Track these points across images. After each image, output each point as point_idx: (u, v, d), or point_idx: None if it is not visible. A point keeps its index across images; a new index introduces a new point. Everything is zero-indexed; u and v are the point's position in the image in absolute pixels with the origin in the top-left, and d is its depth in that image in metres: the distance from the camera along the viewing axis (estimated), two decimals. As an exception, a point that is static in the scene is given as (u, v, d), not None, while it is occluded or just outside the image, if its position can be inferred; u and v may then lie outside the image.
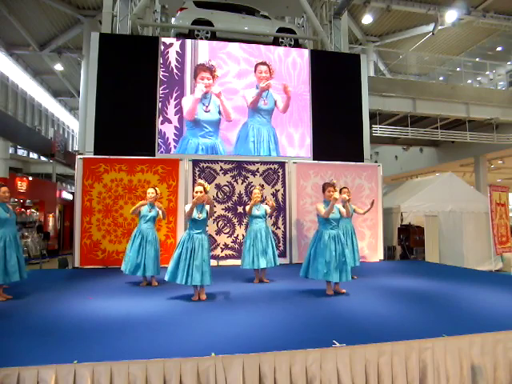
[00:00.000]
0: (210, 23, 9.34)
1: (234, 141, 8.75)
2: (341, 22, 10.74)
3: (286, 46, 9.64)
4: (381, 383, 2.89)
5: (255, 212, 5.83)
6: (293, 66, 9.23)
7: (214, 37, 9.33)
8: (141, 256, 5.41)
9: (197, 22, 9.31)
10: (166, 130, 8.48)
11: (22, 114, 21.08)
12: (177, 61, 8.70)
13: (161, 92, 8.53)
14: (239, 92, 8.86)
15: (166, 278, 4.56)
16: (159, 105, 8.49)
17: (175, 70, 8.67)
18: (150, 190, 5.68)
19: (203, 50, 8.87)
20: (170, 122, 8.51)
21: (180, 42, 8.81)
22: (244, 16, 9.68)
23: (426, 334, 3.15)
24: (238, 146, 8.75)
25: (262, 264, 5.63)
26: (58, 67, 17.98)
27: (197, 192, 4.74)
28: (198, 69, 8.74)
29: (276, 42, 9.73)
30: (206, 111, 8.63)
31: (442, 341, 3.06)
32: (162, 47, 8.69)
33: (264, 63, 9.06)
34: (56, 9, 14.04)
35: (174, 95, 8.59)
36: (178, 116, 8.55)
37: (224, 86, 8.81)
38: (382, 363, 2.90)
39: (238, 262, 7.87)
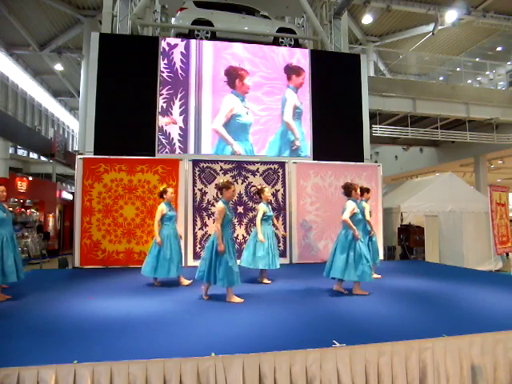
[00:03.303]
0: (210, 23, 9.34)
1: (267, 146, 8.88)
2: (341, 22, 10.73)
3: (285, 45, 9.64)
4: (381, 383, 2.89)
5: (268, 212, 5.80)
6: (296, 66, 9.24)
7: (214, 37, 9.33)
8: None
9: (197, 22, 9.31)
10: (171, 130, 8.48)
11: (22, 114, 21.08)
12: (181, 61, 8.70)
13: (165, 92, 8.53)
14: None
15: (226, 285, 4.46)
16: (164, 105, 8.48)
17: (180, 71, 8.66)
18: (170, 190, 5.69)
19: (208, 50, 8.87)
20: (174, 122, 8.51)
21: (184, 42, 8.81)
22: (244, 16, 9.67)
23: (426, 334, 3.15)
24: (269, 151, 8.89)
25: (279, 264, 5.72)
26: (58, 67, 17.99)
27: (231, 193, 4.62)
28: (234, 71, 8.83)
29: (276, 41, 9.72)
30: (246, 114, 8.80)
31: (442, 341, 3.06)
32: (167, 48, 8.68)
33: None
34: (56, 9, 14.05)
35: (179, 96, 8.59)
36: (182, 116, 8.55)
37: (228, 87, 8.82)
38: (381, 363, 2.90)
39: (237, 262, 7.87)
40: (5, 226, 4.63)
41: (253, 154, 8.75)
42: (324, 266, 5.08)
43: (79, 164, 7.77)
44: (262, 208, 5.78)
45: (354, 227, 4.79)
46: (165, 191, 5.61)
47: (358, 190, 5.16)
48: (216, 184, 4.67)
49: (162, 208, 5.47)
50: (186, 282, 5.57)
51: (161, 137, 8.43)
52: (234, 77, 8.90)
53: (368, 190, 6.31)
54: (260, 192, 5.92)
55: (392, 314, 3.98)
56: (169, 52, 8.68)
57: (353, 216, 4.87)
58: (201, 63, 8.79)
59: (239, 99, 8.81)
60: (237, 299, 4.50)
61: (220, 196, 4.67)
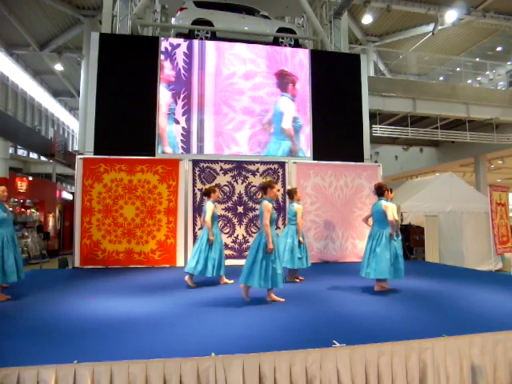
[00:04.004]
0: (210, 23, 9.33)
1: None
2: (341, 22, 10.73)
3: (285, 45, 9.64)
4: (381, 383, 2.89)
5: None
6: (300, 67, 9.24)
7: (214, 37, 9.33)
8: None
9: (197, 22, 9.30)
10: (174, 130, 8.49)
11: (22, 114, 21.09)
12: (184, 61, 8.70)
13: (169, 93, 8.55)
14: (246, 92, 8.87)
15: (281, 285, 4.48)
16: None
17: (182, 71, 8.67)
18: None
19: (210, 50, 8.87)
20: (177, 122, 8.52)
21: (187, 42, 8.80)
22: (244, 16, 9.66)
23: (426, 334, 3.15)
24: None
25: None
26: (58, 67, 18.00)
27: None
28: (288, 76, 9.08)
29: (276, 41, 9.72)
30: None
31: (442, 341, 3.06)
32: (169, 48, 8.69)
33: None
34: (56, 9, 14.06)
35: (182, 96, 8.59)
36: (185, 116, 8.55)
37: (231, 87, 8.83)
38: (381, 363, 2.90)
39: (237, 262, 7.88)
40: (5, 226, 4.63)
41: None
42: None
43: (79, 164, 7.76)
44: (300, 208, 5.85)
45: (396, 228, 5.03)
46: (213, 190, 5.65)
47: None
48: (260, 184, 4.70)
49: (213, 206, 5.49)
50: (191, 284, 5.47)
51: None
52: (287, 80, 9.05)
53: (391, 190, 6.34)
54: (293, 192, 5.93)
55: (392, 314, 3.98)
56: (171, 52, 8.68)
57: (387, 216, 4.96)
58: (204, 63, 8.78)
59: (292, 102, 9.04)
60: (278, 298, 4.53)
61: (264, 196, 4.61)
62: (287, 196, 6.33)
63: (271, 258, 4.35)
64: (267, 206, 4.41)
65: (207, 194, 5.62)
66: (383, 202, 5.02)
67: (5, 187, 4.76)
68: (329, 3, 10.98)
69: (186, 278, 5.45)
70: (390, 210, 4.94)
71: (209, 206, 5.43)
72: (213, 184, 7.47)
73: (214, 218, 5.48)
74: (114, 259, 7.61)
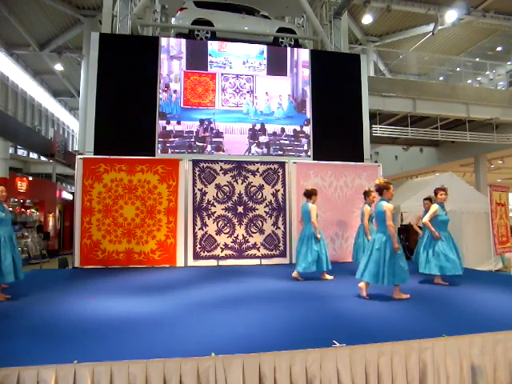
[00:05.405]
0: (210, 23, 9.34)
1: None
2: (341, 22, 10.73)
3: (285, 45, 9.64)
4: (381, 383, 2.89)
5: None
6: (299, 67, 9.26)
7: (214, 37, 9.33)
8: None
9: (197, 22, 9.30)
10: (173, 129, 8.49)
11: (22, 114, 21.11)
12: (185, 61, 8.70)
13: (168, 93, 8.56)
14: (246, 92, 8.88)
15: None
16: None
17: (183, 71, 8.67)
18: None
19: (211, 50, 8.87)
20: (178, 122, 8.52)
21: (188, 42, 8.81)
22: (244, 16, 9.66)
23: (426, 334, 3.14)
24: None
25: None
26: (58, 67, 18.02)
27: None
28: None
29: (276, 41, 9.72)
30: None
31: (442, 341, 3.05)
32: (170, 47, 8.68)
33: None
34: (56, 9, 14.07)
35: (182, 95, 8.58)
36: (185, 116, 8.56)
37: (234, 87, 8.83)
38: (381, 363, 2.90)
39: (237, 262, 7.90)
40: (4, 226, 4.62)
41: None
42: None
43: (79, 164, 7.76)
44: (368, 210, 6.23)
45: (433, 228, 5.54)
46: (315, 193, 6.06)
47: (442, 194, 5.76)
48: (375, 186, 4.77)
49: (315, 208, 5.95)
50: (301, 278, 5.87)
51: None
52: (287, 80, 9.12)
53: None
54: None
55: (392, 314, 3.98)
56: (171, 52, 8.68)
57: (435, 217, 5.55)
58: (207, 63, 8.78)
59: None
60: (404, 295, 4.65)
61: (381, 197, 4.73)
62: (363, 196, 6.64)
63: (398, 256, 4.53)
64: (389, 206, 4.57)
65: (309, 195, 6.00)
66: (434, 206, 5.67)
67: (4, 187, 4.76)
68: (329, 3, 10.98)
69: (295, 274, 5.90)
70: (431, 211, 5.60)
71: (312, 208, 5.91)
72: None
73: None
74: (114, 259, 7.61)
